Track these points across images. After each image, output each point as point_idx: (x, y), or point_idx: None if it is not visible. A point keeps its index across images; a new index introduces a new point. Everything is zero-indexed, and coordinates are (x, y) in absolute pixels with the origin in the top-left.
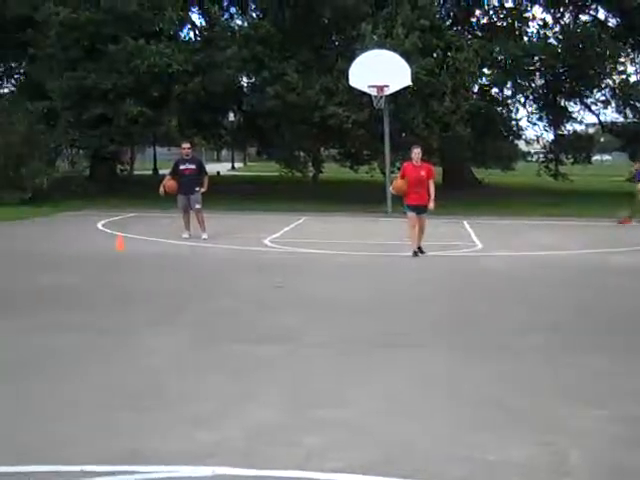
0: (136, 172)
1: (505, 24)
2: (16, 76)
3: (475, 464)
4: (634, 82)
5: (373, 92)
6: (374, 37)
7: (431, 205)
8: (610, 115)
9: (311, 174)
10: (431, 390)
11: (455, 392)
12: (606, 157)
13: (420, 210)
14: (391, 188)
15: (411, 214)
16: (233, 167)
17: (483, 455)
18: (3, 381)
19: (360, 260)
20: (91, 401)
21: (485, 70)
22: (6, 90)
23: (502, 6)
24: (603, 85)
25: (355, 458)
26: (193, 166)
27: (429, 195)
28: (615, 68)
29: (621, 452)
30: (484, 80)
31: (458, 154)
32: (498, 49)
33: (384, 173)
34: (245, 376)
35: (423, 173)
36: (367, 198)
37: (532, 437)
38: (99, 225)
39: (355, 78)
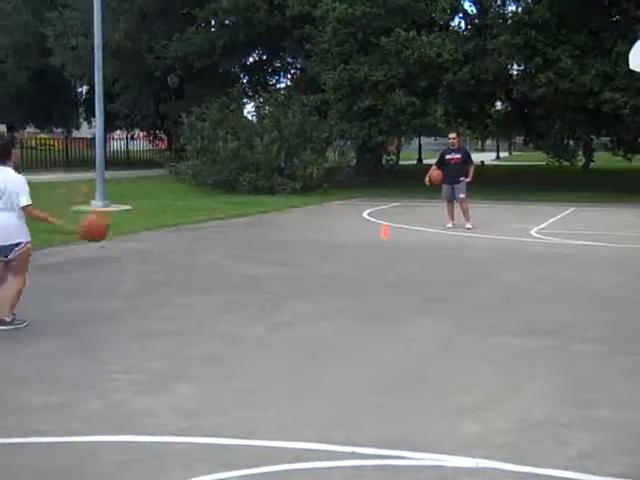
0: (401, 162)
1: None
2: (292, 71)
3: None
4: None
5: None
6: None
7: None
8: None
9: (581, 163)
10: None
11: None
12: None
13: None
14: None
15: None
16: (498, 157)
17: None
18: (293, 367)
19: (628, 252)
20: (359, 384)
21: None
22: (282, 85)
23: None
24: None
25: (630, 463)
26: (459, 156)
27: None
28: None
29: None
30: None
31: None
32: None
33: None
34: (511, 369)
35: None
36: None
37: None
38: (365, 214)
39: (636, 61)
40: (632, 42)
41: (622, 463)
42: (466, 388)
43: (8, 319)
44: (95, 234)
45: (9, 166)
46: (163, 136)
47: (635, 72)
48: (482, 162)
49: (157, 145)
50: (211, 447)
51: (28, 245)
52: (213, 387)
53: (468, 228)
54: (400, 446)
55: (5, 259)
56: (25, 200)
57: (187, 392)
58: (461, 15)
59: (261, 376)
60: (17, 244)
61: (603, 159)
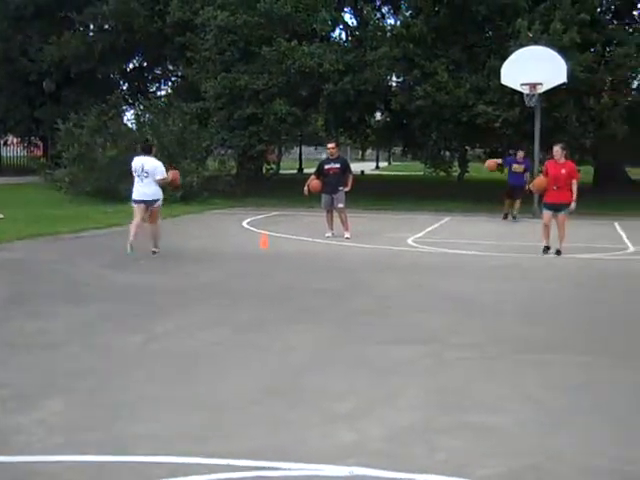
0: (282, 171)
1: None
2: (173, 78)
3: (629, 477)
4: None
5: (525, 90)
6: (529, 33)
7: (572, 206)
8: None
9: (456, 174)
10: (578, 397)
11: (605, 401)
12: None
13: (557, 208)
14: (530, 186)
15: (547, 212)
16: (377, 166)
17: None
18: (170, 379)
19: (502, 261)
20: (232, 396)
21: None
22: (163, 92)
23: None
24: None
25: (497, 466)
26: (338, 165)
27: (571, 194)
28: None
29: None
30: None
31: (613, 153)
32: None
33: (532, 173)
34: (386, 376)
35: (564, 171)
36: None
37: None
38: (244, 223)
39: (507, 76)
40: (504, 58)
41: (490, 466)
42: (342, 396)
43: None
44: None
45: None
46: (38, 142)
47: (506, 87)
48: (362, 172)
49: (32, 152)
50: (83, 465)
51: None
52: (85, 401)
53: (347, 238)
54: (276, 457)
55: None
56: None
57: (58, 407)
58: (342, 27)
59: (136, 389)
60: None
61: (477, 170)
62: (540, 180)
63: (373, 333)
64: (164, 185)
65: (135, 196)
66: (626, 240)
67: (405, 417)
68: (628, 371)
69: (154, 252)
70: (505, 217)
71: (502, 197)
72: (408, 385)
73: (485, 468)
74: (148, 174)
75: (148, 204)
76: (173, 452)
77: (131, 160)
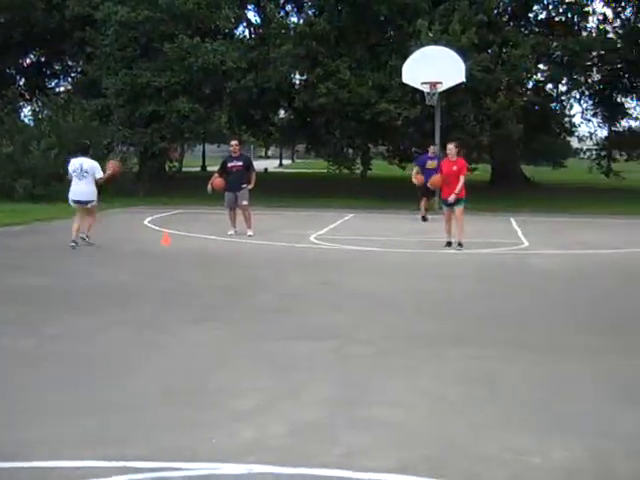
0: (185, 169)
1: (564, 19)
2: (73, 74)
3: (518, 466)
4: None
5: (426, 89)
6: (429, 33)
7: (451, 197)
8: None
9: (359, 171)
10: (474, 389)
11: (499, 392)
12: None
13: (450, 203)
14: (429, 184)
15: (444, 207)
16: (281, 164)
17: (527, 457)
18: (65, 383)
19: (404, 257)
20: (131, 398)
21: (541, 66)
22: (62, 88)
23: (561, 1)
24: None
25: (397, 457)
26: (240, 163)
27: (463, 189)
28: None
29: None
30: (539, 76)
31: (509, 151)
32: (555, 44)
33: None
34: (288, 373)
35: (455, 168)
36: (415, 195)
37: (578, 440)
38: (146, 221)
39: (408, 75)
40: (405, 57)
41: (389, 458)
42: (244, 394)
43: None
44: None
45: None
46: None
47: (408, 85)
48: (265, 169)
49: None
50: None
51: None
52: None
53: (250, 235)
54: (175, 457)
55: None
56: None
57: None
58: (245, 24)
59: (30, 394)
60: None
61: (381, 167)
62: (437, 177)
63: (275, 330)
64: (104, 181)
65: (73, 196)
66: (521, 236)
67: (306, 413)
68: (523, 363)
69: (83, 239)
70: (424, 219)
71: (418, 198)
72: (309, 381)
73: (383, 460)
74: (88, 173)
75: (83, 204)
76: (68, 457)
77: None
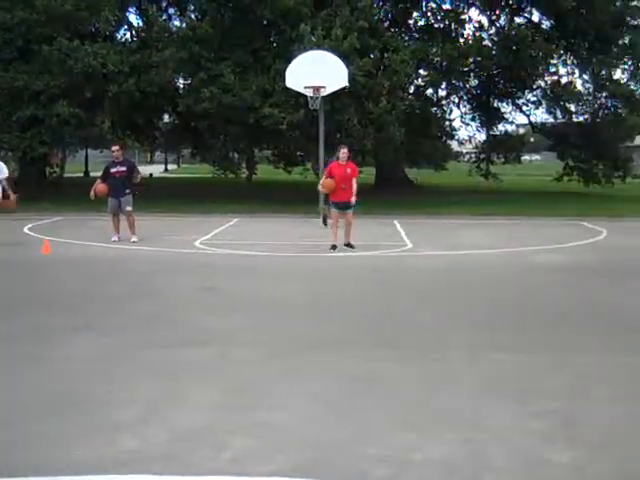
0: (67, 175)
1: (442, 26)
2: None
3: (400, 463)
4: (565, 83)
5: (309, 93)
6: (312, 38)
7: (353, 200)
8: (540, 116)
9: (244, 175)
10: (358, 391)
11: (381, 392)
12: (535, 157)
13: (345, 206)
14: (320, 187)
15: (335, 211)
16: (166, 169)
17: (408, 454)
18: None
19: (289, 261)
20: (8, 411)
21: (421, 71)
22: None
23: (440, 8)
24: (534, 86)
25: (283, 461)
26: (124, 168)
27: (352, 191)
28: (547, 70)
29: (540, 447)
30: (420, 81)
31: (392, 154)
32: (435, 50)
33: (317, 174)
34: (172, 380)
35: (348, 171)
36: (300, 199)
37: (454, 435)
38: (26, 229)
39: (292, 79)
40: (289, 61)
41: (276, 462)
42: (126, 403)
43: None
44: None
45: None
46: None
47: (291, 89)
48: (150, 175)
49: None
50: None
51: None
52: None
53: (134, 241)
54: (53, 471)
55: None
56: None
57: None
58: (127, 27)
59: None
60: None
61: (267, 172)
62: (330, 181)
63: (159, 337)
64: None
65: None
66: (405, 238)
67: (191, 419)
68: (405, 363)
69: None
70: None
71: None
72: (194, 387)
73: (270, 464)
74: None
75: None
76: None
77: None
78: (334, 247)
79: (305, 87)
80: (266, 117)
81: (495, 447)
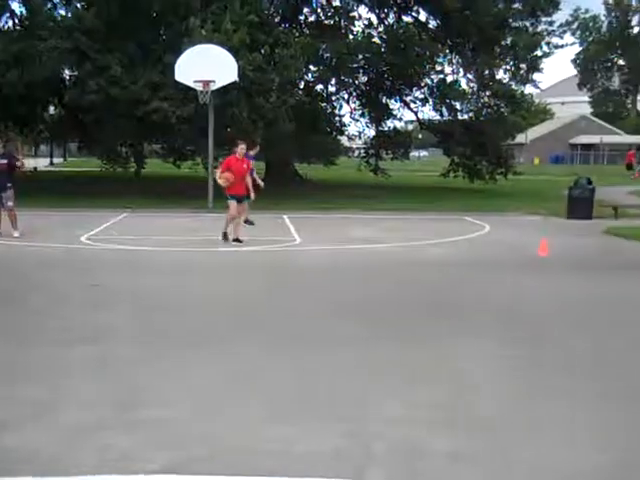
0: None
1: (332, 22)
2: None
3: (284, 457)
4: (450, 82)
5: (199, 87)
6: (202, 32)
7: (252, 195)
8: (427, 113)
9: (133, 170)
10: (241, 385)
11: (264, 386)
12: (423, 153)
13: (241, 199)
14: (219, 179)
15: (233, 202)
16: (52, 162)
17: (291, 447)
18: None
19: (177, 255)
20: None
21: (311, 67)
22: None
23: (329, 4)
24: (422, 84)
25: (168, 457)
26: (5, 161)
27: (250, 185)
28: (433, 68)
29: (423, 436)
30: (310, 76)
31: (282, 149)
32: (324, 46)
33: (207, 168)
34: (55, 379)
35: (245, 166)
36: (189, 194)
37: (337, 427)
38: None
39: (181, 73)
40: (178, 54)
41: (162, 459)
42: (9, 402)
43: None
44: None
45: None
46: None
47: (180, 83)
48: (35, 168)
49: None
50: None
51: None
52: None
53: (16, 237)
54: None
55: None
56: None
57: None
58: (9, 14)
59: None
60: None
61: (156, 166)
62: (228, 174)
63: (43, 335)
64: None
65: None
66: (294, 232)
67: (77, 419)
68: (289, 357)
69: None
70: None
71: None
72: (78, 385)
73: (155, 462)
74: None
75: None
76: None
77: None
78: (225, 236)
79: (194, 81)
80: (155, 111)
81: (379, 437)
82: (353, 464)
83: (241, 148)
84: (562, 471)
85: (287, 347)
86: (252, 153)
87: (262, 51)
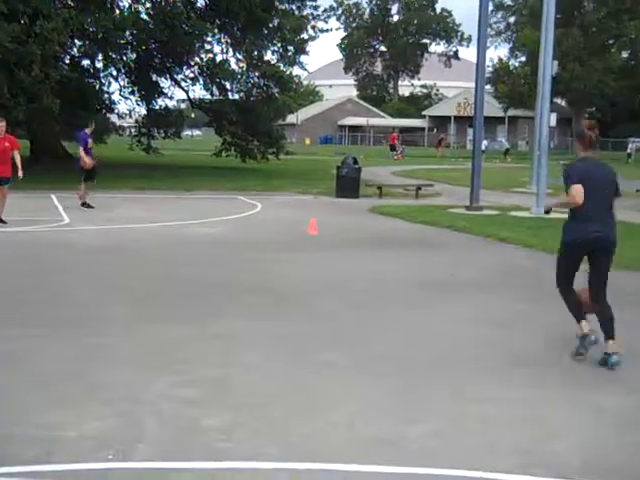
0: None
1: None
2: None
3: (52, 442)
4: (220, 61)
5: None
6: None
7: (20, 174)
8: (198, 92)
9: None
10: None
11: (37, 369)
12: (197, 132)
13: (5, 181)
14: None
15: None
16: None
17: (61, 432)
18: None
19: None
20: None
21: (76, 41)
22: None
23: None
24: (192, 63)
25: None
26: None
27: (16, 166)
28: (202, 47)
29: (193, 413)
30: (75, 51)
31: (47, 127)
32: (90, 20)
33: None
34: None
35: (7, 144)
36: None
37: (108, 409)
38: None
39: None
40: None
41: None
42: None
43: None
44: None
45: None
46: None
47: None
48: None
49: None
50: None
51: None
52: None
53: None
54: None
55: None
56: None
57: None
58: None
59: None
60: None
61: None
62: None
63: None
64: None
65: None
66: (62, 212)
67: None
68: (67, 339)
69: None
70: (85, 204)
71: (81, 181)
72: None
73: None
74: None
75: None
76: None
77: None
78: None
79: None
80: None
81: (150, 418)
82: (123, 446)
83: (2, 126)
84: None
85: (60, 328)
86: (88, 131)
87: (22, 22)
